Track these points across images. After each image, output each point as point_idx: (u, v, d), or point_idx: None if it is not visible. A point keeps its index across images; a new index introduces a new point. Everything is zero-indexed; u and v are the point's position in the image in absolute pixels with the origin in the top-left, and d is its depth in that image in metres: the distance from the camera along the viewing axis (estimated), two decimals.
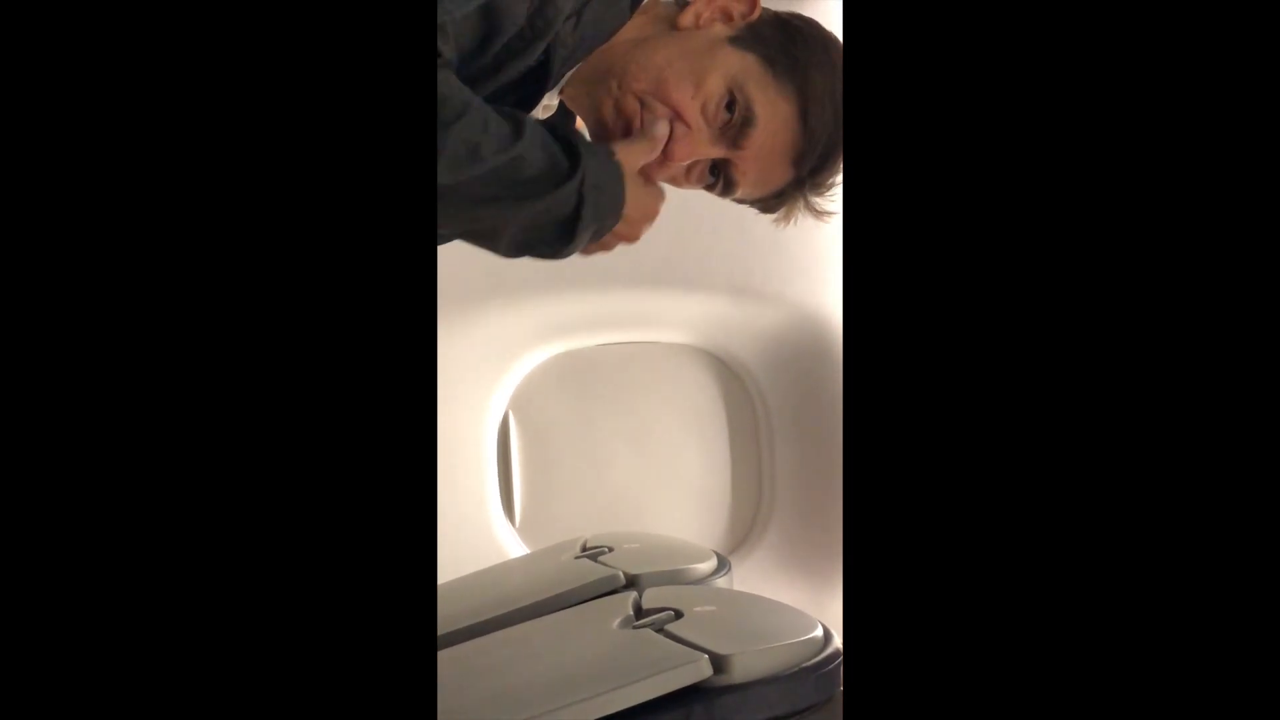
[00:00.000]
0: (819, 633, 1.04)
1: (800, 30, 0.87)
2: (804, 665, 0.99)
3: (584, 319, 1.99)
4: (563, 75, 0.84)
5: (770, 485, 2.05)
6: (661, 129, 0.82)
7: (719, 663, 0.96)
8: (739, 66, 0.83)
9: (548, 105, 0.90)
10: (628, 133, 0.84)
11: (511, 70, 0.78)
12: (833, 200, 0.91)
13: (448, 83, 0.70)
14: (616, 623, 1.13)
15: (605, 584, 1.32)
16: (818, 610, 1.16)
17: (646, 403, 2.05)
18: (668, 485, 2.05)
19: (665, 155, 0.84)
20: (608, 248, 0.85)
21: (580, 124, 0.90)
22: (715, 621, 1.09)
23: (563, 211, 0.76)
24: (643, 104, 0.83)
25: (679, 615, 1.11)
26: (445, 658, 1.12)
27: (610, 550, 1.48)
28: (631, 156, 0.81)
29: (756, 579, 1.91)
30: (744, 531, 2.06)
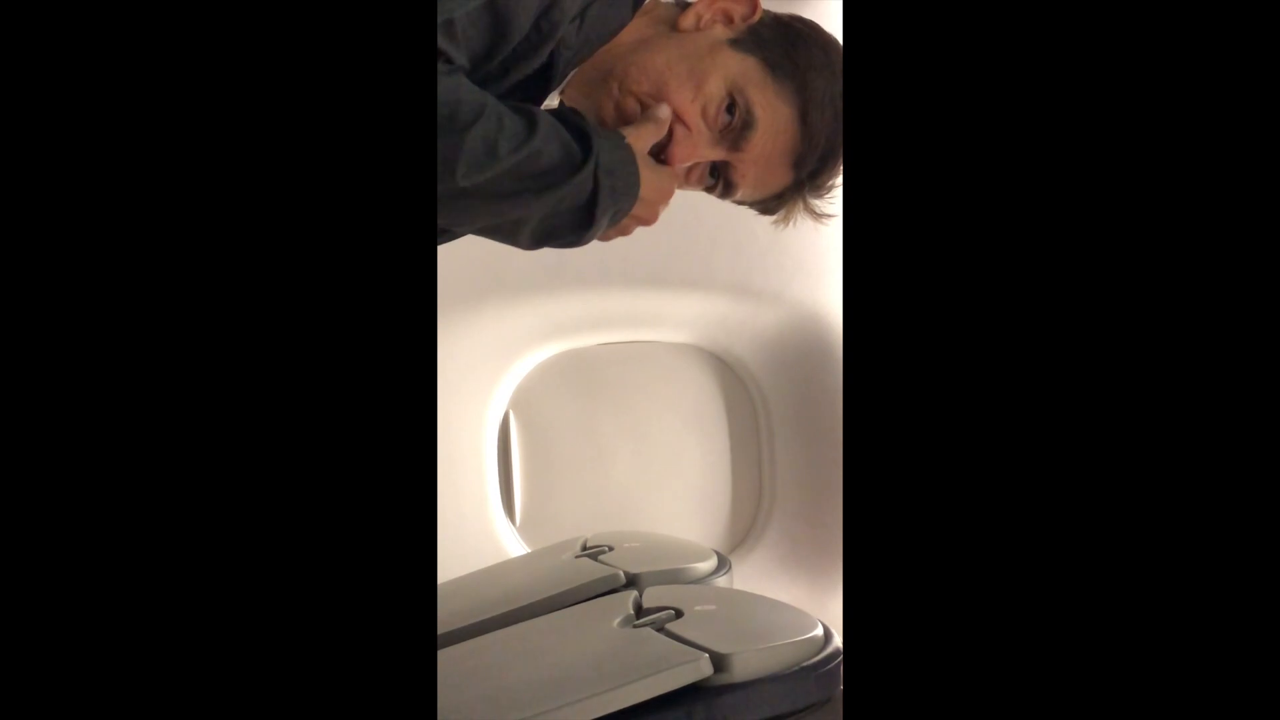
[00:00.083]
0: (819, 632, 1.04)
1: (801, 33, 0.87)
2: (804, 664, 0.99)
3: (584, 318, 1.99)
4: (566, 76, 0.84)
5: (770, 485, 2.05)
6: (664, 111, 0.83)
7: (719, 662, 0.96)
8: (739, 69, 0.84)
9: (548, 106, 0.90)
10: None
11: (518, 73, 0.78)
12: (832, 203, 0.91)
13: (460, 87, 0.71)
14: (617, 622, 1.13)
15: (605, 583, 1.32)
16: (818, 610, 1.16)
17: (647, 402, 2.05)
18: (668, 485, 2.05)
19: (666, 158, 0.84)
20: (626, 232, 0.85)
21: None
22: (715, 620, 1.09)
23: (580, 198, 0.77)
24: (643, 106, 0.83)
25: (679, 614, 1.11)
26: (445, 657, 1.12)
27: (610, 549, 1.48)
28: (640, 139, 0.82)
29: (756, 578, 1.91)
30: (744, 531, 2.06)
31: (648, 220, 0.85)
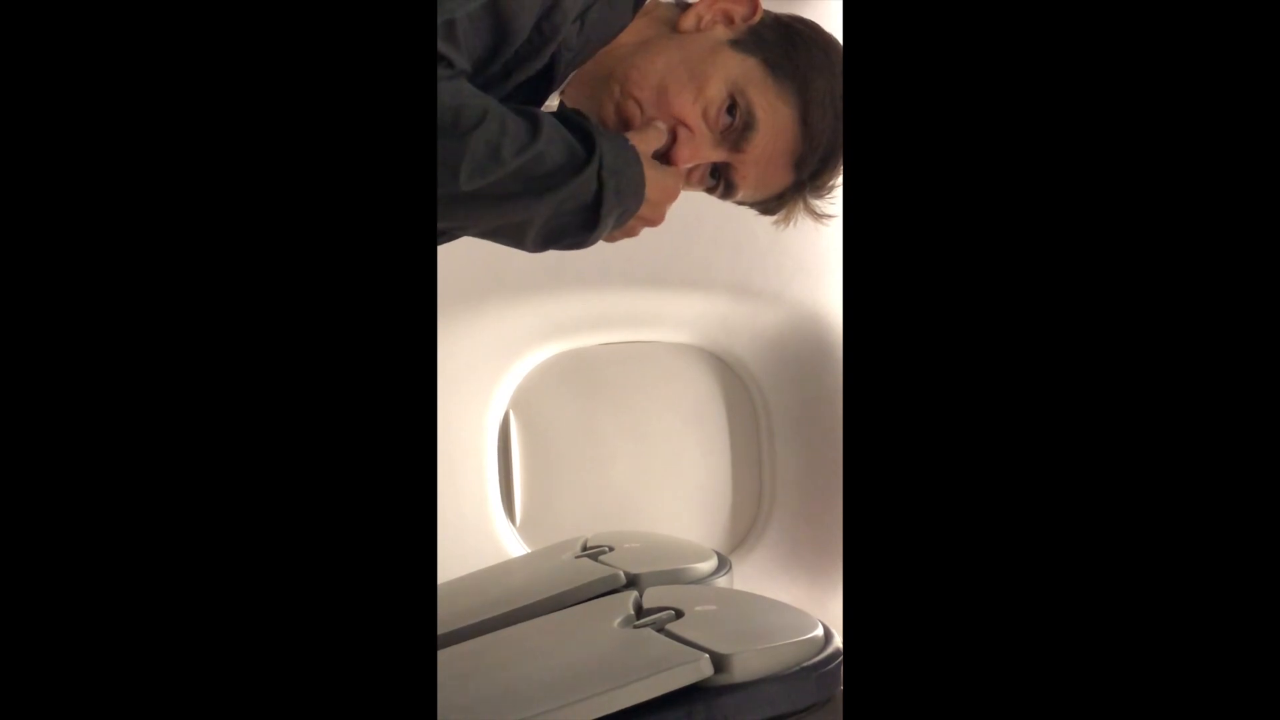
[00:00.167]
0: (819, 632, 1.04)
1: (801, 34, 0.87)
2: (804, 664, 0.99)
3: (584, 318, 1.99)
4: (566, 77, 0.84)
5: (770, 485, 2.05)
6: (661, 125, 0.83)
7: (719, 662, 0.96)
8: (740, 70, 0.84)
9: (549, 107, 0.90)
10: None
11: (519, 75, 0.78)
12: (832, 203, 0.91)
13: (462, 91, 0.71)
14: (617, 622, 1.13)
15: (605, 583, 1.32)
16: (818, 610, 1.16)
17: (647, 402, 2.05)
18: (668, 485, 2.05)
19: (670, 159, 0.84)
20: (632, 233, 0.85)
21: None
22: (716, 621, 1.09)
23: (584, 198, 0.76)
24: (642, 110, 0.83)
25: (679, 615, 1.11)
26: (445, 657, 1.12)
27: (610, 550, 1.48)
28: (644, 143, 0.81)
29: (756, 579, 1.91)
30: (744, 531, 2.06)
31: (654, 221, 0.85)
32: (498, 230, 0.78)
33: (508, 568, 1.73)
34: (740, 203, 0.92)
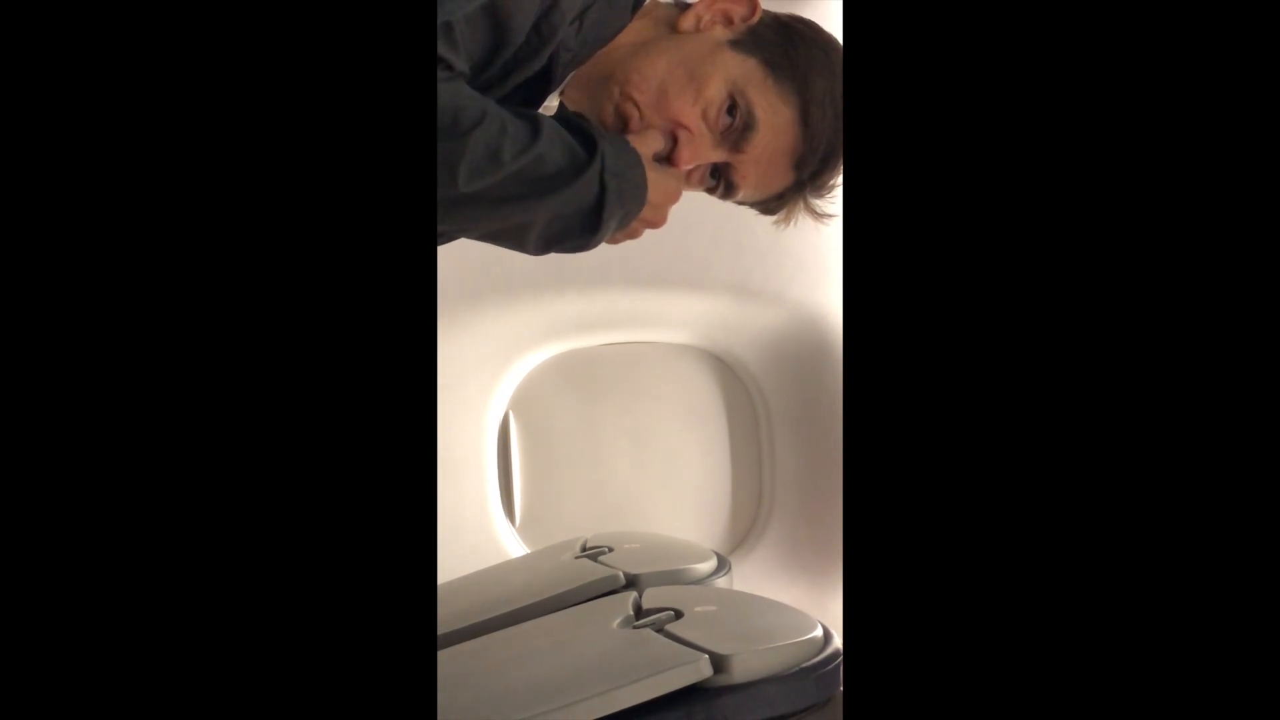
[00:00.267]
0: (819, 633, 1.05)
1: (800, 33, 0.87)
2: (804, 665, 0.99)
3: (584, 319, 1.99)
4: (564, 78, 0.84)
5: (770, 485, 2.05)
6: (659, 129, 0.83)
7: (719, 663, 0.96)
8: (740, 71, 0.84)
9: (548, 107, 0.90)
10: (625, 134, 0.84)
11: (518, 76, 0.78)
12: (833, 202, 0.91)
13: (461, 93, 0.70)
14: (616, 623, 1.13)
15: (605, 584, 1.32)
16: (818, 610, 1.16)
17: (647, 403, 2.05)
18: (668, 485, 2.05)
19: (671, 161, 0.84)
20: (635, 235, 0.85)
21: None
22: (715, 621, 1.09)
23: (586, 200, 0.76)
24: (640, 111, 0.83)
25: (679, 615, 1.11)
26: (445, 658, 1.12)
27: (610, 550, 1.48)
28: (644, 145, 0.81)
29: (756, 579, 1.91)
30: (744, 531, 2.06)
31: (656, 223, 0.84)
32: (499, 233, 0.78)
33: (507, 568, 1.73)
34: (740, 203, 0.92)
